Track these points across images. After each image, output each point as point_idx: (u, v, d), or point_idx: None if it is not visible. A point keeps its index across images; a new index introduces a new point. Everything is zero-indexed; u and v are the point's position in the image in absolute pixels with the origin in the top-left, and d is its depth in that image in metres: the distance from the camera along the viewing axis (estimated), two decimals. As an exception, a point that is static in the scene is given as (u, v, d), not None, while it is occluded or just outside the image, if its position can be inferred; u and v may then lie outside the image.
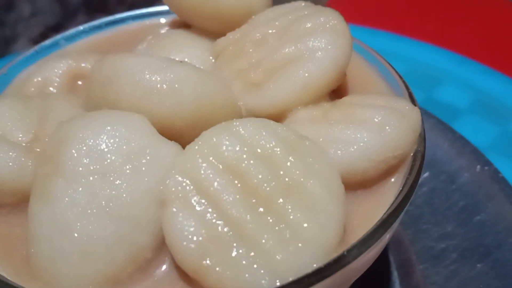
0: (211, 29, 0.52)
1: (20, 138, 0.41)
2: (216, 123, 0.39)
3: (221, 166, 0.34)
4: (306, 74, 0.42)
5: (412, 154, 0.40)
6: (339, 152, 0.38)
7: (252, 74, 0.44)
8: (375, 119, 0.39)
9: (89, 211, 0.34)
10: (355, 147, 0.38)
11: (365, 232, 0.34)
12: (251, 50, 0.47)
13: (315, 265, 0.32)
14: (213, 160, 0.34)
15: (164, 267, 0.36)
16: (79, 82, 0.51)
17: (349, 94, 0.48)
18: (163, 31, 0.58)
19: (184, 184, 0.34)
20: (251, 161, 0.34)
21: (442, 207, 0.62)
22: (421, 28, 1.26)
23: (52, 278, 0.34)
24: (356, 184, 0.39)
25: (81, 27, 0.57)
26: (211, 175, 0.34)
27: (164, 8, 0.60)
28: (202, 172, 0.34)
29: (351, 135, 0.38)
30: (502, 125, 0.81)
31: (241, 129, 0.35)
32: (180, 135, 0.39)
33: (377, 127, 0.38)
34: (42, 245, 0.34)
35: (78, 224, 0.33)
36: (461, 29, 1.17)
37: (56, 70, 0.51)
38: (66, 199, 0.34)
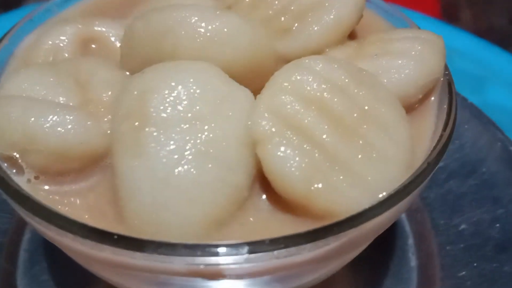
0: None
1: (69, 103, 0.40)
2: (262, 70, 0.41)
3: (304, 101, 0.36)
4: (336, 16, 0.45)
5: (442, 78, 0.45)
6: (392, 79, 0.41)
7: (282, 19, 0.46)
8: (415, 49, 0.43)
9: (189, 157, 0.34)
10: (405, 74, 0.41)
11: (434, 144, 0.39)
12: (269, -1, 0.48)
13: (400, 179, 0.36)
14: (297, 96, 0.36)
15: (259, 202, 0.37)
16: (93, 46, 0.49)
17: (359, 35, 0.52)
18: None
19: (276, 120, 0.35)
20: (333, 93, 0.37)
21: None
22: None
23: (159, 229, 0.34)
24: (406, 107, 0.43)
25: (68, -7, 0.55)
26: (299, 110, 0.36)
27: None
28: (290, 107, 0.36)
29: (400, 64, 0.42)
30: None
31: (314, 66, 0.38)
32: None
33: (419, 55, 0.42)
34: (144, 199, 0.34)
35: (180, 170, 0.34)
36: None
37: (64, 36, 0.48)
38: (162, 148, 0.34)
